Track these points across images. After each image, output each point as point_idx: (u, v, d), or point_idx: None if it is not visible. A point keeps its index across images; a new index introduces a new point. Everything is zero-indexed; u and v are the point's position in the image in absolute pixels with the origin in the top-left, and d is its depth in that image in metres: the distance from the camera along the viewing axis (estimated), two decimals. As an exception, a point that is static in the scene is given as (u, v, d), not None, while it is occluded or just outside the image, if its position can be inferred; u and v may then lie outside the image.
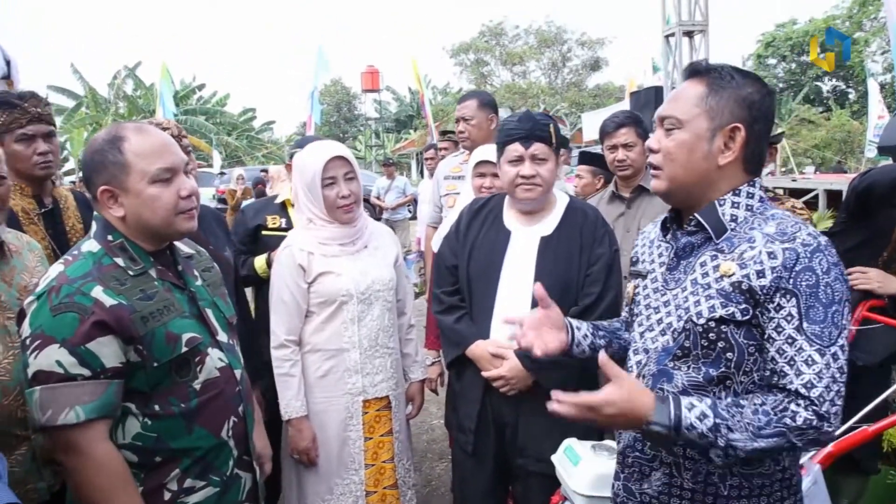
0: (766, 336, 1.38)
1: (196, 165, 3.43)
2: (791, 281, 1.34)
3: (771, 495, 1.47)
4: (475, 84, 35.44)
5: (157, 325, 1.59)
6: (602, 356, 1.40)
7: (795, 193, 7.54)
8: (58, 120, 28.28)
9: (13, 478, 1.86)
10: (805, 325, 1.33)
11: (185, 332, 1.65)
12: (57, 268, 1.60)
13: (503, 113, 3.64)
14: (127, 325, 1.53)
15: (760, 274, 1.37)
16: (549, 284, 2.19)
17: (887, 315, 2.46)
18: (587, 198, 3.53)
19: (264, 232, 3.12)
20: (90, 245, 1.64)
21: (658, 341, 1.52)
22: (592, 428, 2.34)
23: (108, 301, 1.53)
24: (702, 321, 1.42)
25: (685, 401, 1.35)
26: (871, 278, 2.49)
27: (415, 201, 10.73)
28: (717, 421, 1.32)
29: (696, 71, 1.51)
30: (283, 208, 3.17)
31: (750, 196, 1.48)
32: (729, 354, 1.41)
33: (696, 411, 1.33)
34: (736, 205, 1.47)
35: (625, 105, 13.88)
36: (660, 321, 1.53)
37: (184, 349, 1.63)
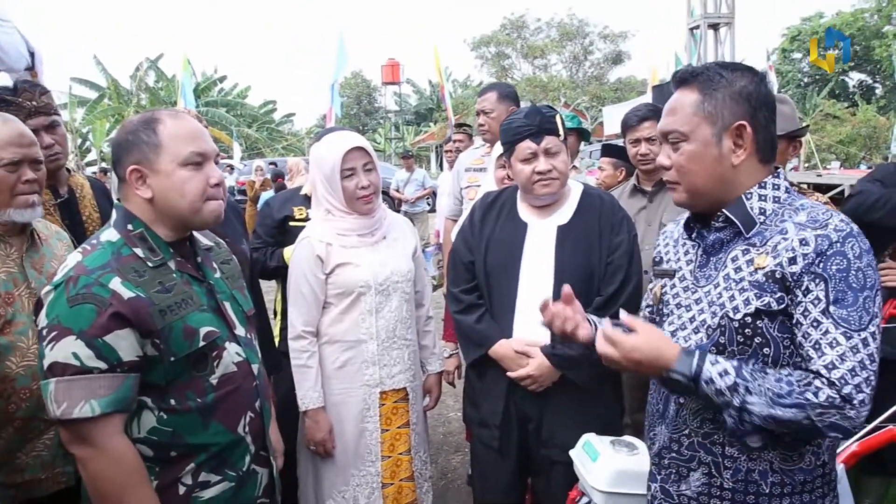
0: (794, 321, 1.36)
1: (221, 157, 3.43)
2: (821, 265, 1.33)
3: (813, 491, 1.44)
4: (496, 77, 35.25)
5: (175, 319, 1.57)
6: (623, 313, 1.46)
7: (820, 189, 7.44)
8: (80, 111, 28.76)
9: (41, 461, 1.89)
10: (832, 308, 1.32)
11: (203, 325, 1.62)
12: (75, 257, 1.58)
13: (524, 106, 3.61)
14: (145, 319, 1.51)
15: (792, 261, 1.36)
16: (570, 274, 2.18)
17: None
18: (609, 190, 3.49)
19: (291, 223, 3.10)
20: (109, 234, 1.62)
21: (691, 339, 1.51)
22: (613, 423, 2.33)
23: (127, 293, 1.51)
24: (738, 316, 1.41)
25: (710, 356, 1.37)
26: None
27: (434, 194, 10.72)
28: (738, 380, 1.34)
29: (683, 79, 1.50)
30: (308, 199, 3.16)
31: (776, 188, 1.47)
32: (766, 350, 1.40)
33: (718, 367, 1.35)
34: (763, 197, 1.46)
35: (647, 98, 13.73)
36: (692, 319, 1.52)
37: (201, 343, 1.60)
